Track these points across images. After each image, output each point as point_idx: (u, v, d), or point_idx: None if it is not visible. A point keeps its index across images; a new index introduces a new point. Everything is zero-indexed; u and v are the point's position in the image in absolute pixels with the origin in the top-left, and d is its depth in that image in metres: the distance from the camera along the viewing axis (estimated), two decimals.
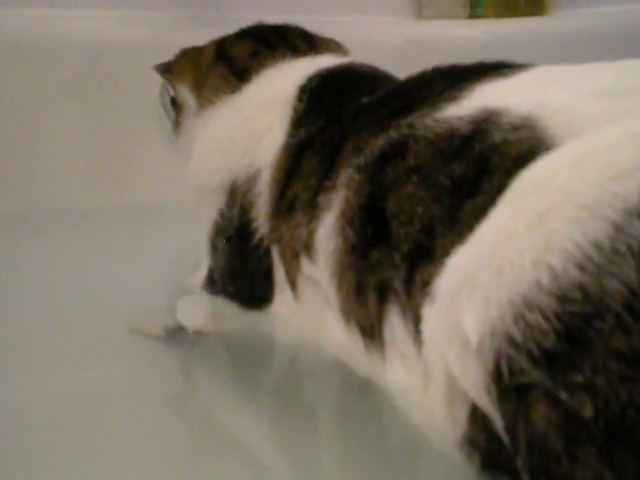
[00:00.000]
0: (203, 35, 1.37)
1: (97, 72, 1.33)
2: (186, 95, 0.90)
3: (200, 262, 0.85)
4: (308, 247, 0.65)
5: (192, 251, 0.96)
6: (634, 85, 0.47)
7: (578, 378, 0.37)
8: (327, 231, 0.61)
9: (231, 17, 1.43)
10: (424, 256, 0.51)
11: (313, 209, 0.64)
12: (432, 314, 0.46)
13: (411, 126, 0.57)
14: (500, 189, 0.45)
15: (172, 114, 1.00)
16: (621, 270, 0.36)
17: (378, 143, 0.59)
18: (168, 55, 1.31)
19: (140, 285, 0.92)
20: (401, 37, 1.46)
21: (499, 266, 0.40)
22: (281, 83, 0.80)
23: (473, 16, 1.54)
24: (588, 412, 0.36)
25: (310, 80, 0.77)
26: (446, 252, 0.47)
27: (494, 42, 1.46)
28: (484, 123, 0.51)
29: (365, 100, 0.68)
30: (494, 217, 0.43)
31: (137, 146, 1.35)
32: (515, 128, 0.49)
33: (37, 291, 0.92)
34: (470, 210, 0.48)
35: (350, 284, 0.59)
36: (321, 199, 0.63)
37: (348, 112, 0.68)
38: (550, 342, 0.38)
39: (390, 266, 0.54)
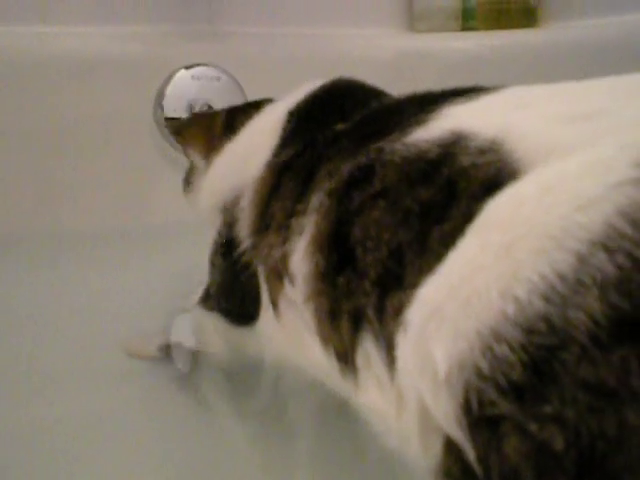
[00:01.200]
0: (195, 49, 1.38)
1: (89, 88, 1.32)
2: (196, 159, 0.92)
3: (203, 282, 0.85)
4: (285, 269, 0.65)
5: (193, 274, 0.97)
6: (605, 107, 0.46)
7: (547, 410, 0.36)
8: (300, 255, 0.61)
9: (223, 31, 1.43)
10: (394, 283, 0.51)
11: (287, 231, 0.64)
12: (405, 344, 0.45)
13: (379, 150, 0.57)
14: (468, 215, 0.44)
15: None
16: (585, 301, 0.35)
17: (347, 168, 0.59)
18: (160, 70, 1.31)
19: (137, 307, 0.92)
20: (393, 50, 1.46)
21: (467, 297, 0.39)
22: (274, 110, 0.82)
23: (465, 28, 1.54)
24: (558, 444, 0.36)
25: (299, 104, 0.79)
26: (416, 279, 0.47)
27: (487, 54, 1.46)
28: (451, 146, 0.51)
29: (340, 125, 0.68)
30: (463, 248, 0.42)
31: (132, 164, 1.35)
32: (482, 152, 0.48)
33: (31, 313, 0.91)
34: (438, 237, 0.48)
35: (324, 309, 0.58)
36: (293, 222, 0.63)
37: (324, 136, 0.68)
38: (517, 374, 0.37)
39: (362, 293, 0.53)
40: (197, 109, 1.31)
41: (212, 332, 0.83)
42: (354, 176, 0.58)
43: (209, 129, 0.91)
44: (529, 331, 0.37)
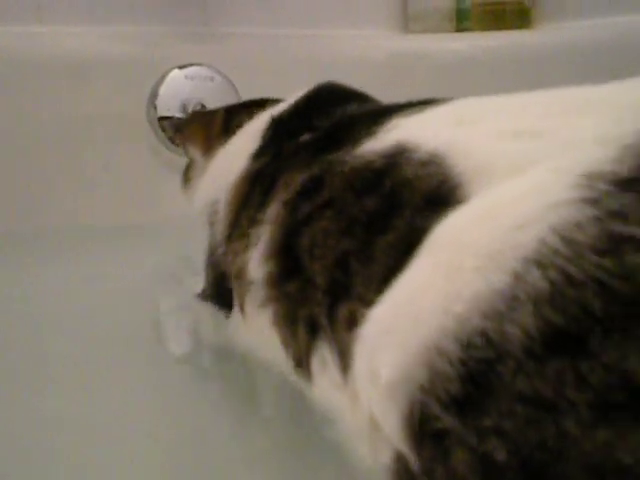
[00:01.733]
0: (189, 49, 1.38)
1: (84, 87, 1.32)
2: (195, 155, 0.94)
3: None
4: (246, 275, 0.67)
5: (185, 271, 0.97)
6: (544, 126, 0.47)
7: (486, 422, 0.37)
8: (256, 263, 0.63)
9: (217, 31, 1.43)
10: (342, 293, 0.52)
11: (248, 239, 0.66)
12: (359, 355, 0.46)
13: (330, 162, 0.58)
14: (411, 226, 0.47)
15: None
16: (520, 316, 0.36)
17: (300, 179, 0.61)
18: (154, 70, 1.31)
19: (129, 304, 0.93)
20: (388, 51, 1.46)
21: (416, 315, 0.40)
22: (265, 115, 0.82)
23: (460, 29, 1.54)
24: (500, 456, 0.36)
25: (283, 110, 0.80)
26: (363, 290, 0.49)
27: (481, 55, 1.46)
28: (397, 157, 0.52)
29: (305, 136, 0.69)
30: (416, 267, 0.43)
31: (125, 163, 1.35)
32: (424, 164, 0.49)
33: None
34: (383, 246, 0.49)
35: (280, 315, 0.60)
36: (253, 231, 0.65)
37: (289, 146, 0.70)
38: (456, 388, 0.38)
39: (314, 302, 0.55)
40: (190, 109, 1.31)
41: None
42: (305, 187, 0.59)
43: (209, 127, 0.92)
44: (467, 346, 0.37)
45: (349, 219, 0.53)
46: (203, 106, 1.31)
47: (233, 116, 0.90)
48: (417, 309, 0.41)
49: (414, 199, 0.48)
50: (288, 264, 0.59)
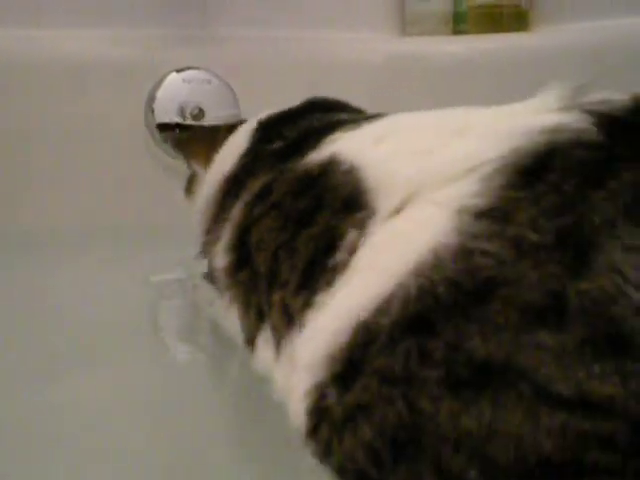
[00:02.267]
0: (187, 52, 1.38)
1: (81, 90, 1.32)
2: (198, 170, 0.98)
3: None
4: (214, 264, 0.76)
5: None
6: (439, 145, 0.56)
7: (350, 397, 0.47)
8: (219, 255, 0.73)
9: (218, 35, 1.43)
10: (275, 280, 0.62)
11: (217, 234, 0.75)
12: (300, 344, 0.56)
13: (282, 170, 0.68)
14: (329, 223, 0.57)
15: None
16: (392, 310, 0.46)
17: (258, 183, 0.70)
18: (152, 73, 1.31)
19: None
20: (385, 53, 1.46)
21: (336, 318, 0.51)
22: (252, 120, 0.89)
23: (457, 32, 1.54)
24: (366, 433, 0.45)
25: (269, 116, 0.87)
26: (287, 276, 0.60)
27: (478, 58, 1.46)
28: (328, 167, 0.61)
29: (277, 144, 0.77)
30: (348, 287, 0.53)
31: (123, 167, 1.35)
32: (345, 173, 0.59)
33: None
34: (305, 238, 0.59)
35: (237, 300, 0.70)
36: (220, 228, 0.74)
37: (261, 153, 0.79)
38: (338, 366, 0.48)
39: (260, 290, 0.65)
40: (188, 112, 1.31)
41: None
42: (261, 190, 0.69)
43: (211, 144, 0.94)
44: (354, 335, 0.48)
45: (285, 217, 0.63)
46: (201, 110, 1.31)
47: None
48: (342, 313, 0.50)
49: (335, 202, 0.58)
50: (241, 256, 0.68)
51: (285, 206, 0.64)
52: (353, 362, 0.47)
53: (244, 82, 1.36)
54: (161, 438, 0.63)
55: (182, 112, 1.31)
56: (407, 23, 1.52)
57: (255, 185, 0.71)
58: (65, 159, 1.32)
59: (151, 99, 1.31)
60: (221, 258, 0.72)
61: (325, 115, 0.80)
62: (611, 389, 0.38)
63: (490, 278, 0.43)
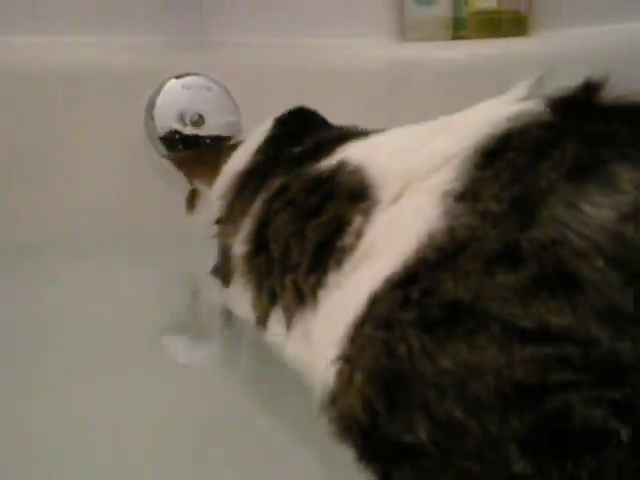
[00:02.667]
0: (186, 59, 1.38)
1: (80, 98, 1.32)
2: (201, 187, 1.08)
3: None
4: (231, 251, 0.84)
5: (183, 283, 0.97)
6: (420, 145, 0.65)
7: (352, 350, 0.55)
8: (239, 244, 0.81)
9: (214, 41, 1.43)
10: (287, 264, 0.70)
11: (237, 225, 0.83)
12: (316, 326, 0.65)
13: (298, 173, 0.77)
14: (336, 211, 0.66)
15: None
16: (394, 278, 0.54)
17: (277, 183, 0.79)
18: (151, 80, 1.31)
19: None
20: (384, 59, 1.46)
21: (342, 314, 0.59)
22: (268, 119, 0.98)
23: (456, 38, 1.54)
24: (358, 379, 0.53)
25: (284, 114, 0.97)
26: (297, 260, 0.68)
27: (477, 63, 1.47)
28: (337, 169, 0.71)
29: (297, 149, 0.86)
30: (361, 279, 0.60)
31: (123, 174, 1.35)
32: (351, 172, 0.69)
33: None
34: (314, 226, 0.68)
35: (252, 284, 0.78)
36: (241, 220, 0.82)
37: (281, 155, 0.87)
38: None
39: (274, 275, 0.73)
40: (188, 119, 1.31)
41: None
42: (279, 190, 0.77)
43: (215, 166, 1.00)
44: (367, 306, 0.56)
45: (298, 211, 0.72)
46: (200, 116, 1.31)
47: None
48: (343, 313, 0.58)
49: (341, 194, 0.67)
50: (259, 245, 0.77)
51: (299, 202, 0.72)
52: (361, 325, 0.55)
53: (244, 88, 1.36)
54: (161, 449, 0.63)
55: (182, 119, 1.31)
56: (407, 29, 1.53)
57: (274, 184, 0.79)
58: (63, 168, 1.32)
59: (151, 106, 1.31)
60: (240, 247, 0.80)
61: (338, 129, 0.90)
62: (566, 320, 0.44)
63: (465, 240, 0.51)
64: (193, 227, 0.96)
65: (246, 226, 0.80)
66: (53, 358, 0.81)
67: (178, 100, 1.31)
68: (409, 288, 0.52)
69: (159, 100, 1.30)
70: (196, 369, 0.84)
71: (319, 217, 0.67)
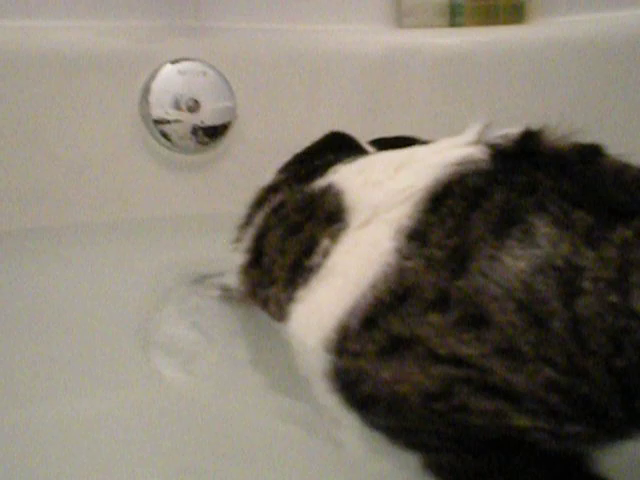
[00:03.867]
0: (182, 44, 1.37)
1: (75, 82, 1.31)
2: None
3: None
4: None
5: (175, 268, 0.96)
6: (387, 177, 0.73)
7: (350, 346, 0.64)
8: (239, 254, 0.87)
9: (210, 26, 1.42)
10: (271, 276, 0.78)
11: (241, 236, 0.89)
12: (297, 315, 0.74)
13: (294, 190, 0.84)
14: (313, 230, 0.74)
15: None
16: (358, 314, 0.65)
17: (278, 199, 0.86)
18: (147, 65, 1.30)
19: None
20: (381, 45, 1.45)
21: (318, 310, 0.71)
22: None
23: (453, 25, 1.54)
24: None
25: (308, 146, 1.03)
26: (277, 274, 0.77)
27: (474, 50, 1.46)
28: (325, 190, 0.78)
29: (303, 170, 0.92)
30: (322, 288, 0.71)
31: (118, 158, 1.34)
32: (334, 195, 0.76)
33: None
34: (294, 242, 0.76)
35: (249, 293, 0.84)
36: (243, 231, 0.89)
37: (290, 175, 0.92)
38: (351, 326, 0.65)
39: (266, 286, 0.79)
40: (183, 104, 1.30)
41: None
42: (277, 205, 0.84)
43: None
44: (345, 316, 0.66)
45: (286, 227, 0.79)
46: (196, 101, 1.31)
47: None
48: (322, 308, 0.70)
49: (320, 215, 0.75)
50: (255, 257, 0.83)
51: (289, 219, 0.80)
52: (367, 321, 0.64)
53: (240, 74, 1.35)
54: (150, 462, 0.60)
55: (177, 104, 1.31)
56: (404, 15, 1.52)
57: (276, 199, 0.86)
58: (57, 152, 1.31)
59: (146, 91, 1.30)
60: (241, 257, 0.86)
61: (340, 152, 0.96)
62: (471, 350, 0.55)
63: (410, 285, 0.61)
64: None
65: (248, 237, 0.86)
66: (38, 351, 0.80)
67: (174, 85, 1.31)
68: (372, 329, 0.62)
69: (154, 85, 1.30)
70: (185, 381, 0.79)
71: (298, 235, 0.76)
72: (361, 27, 1.48)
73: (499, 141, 0.68)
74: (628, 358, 0.52)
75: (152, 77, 1.31)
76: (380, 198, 0.71)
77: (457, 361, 0.55)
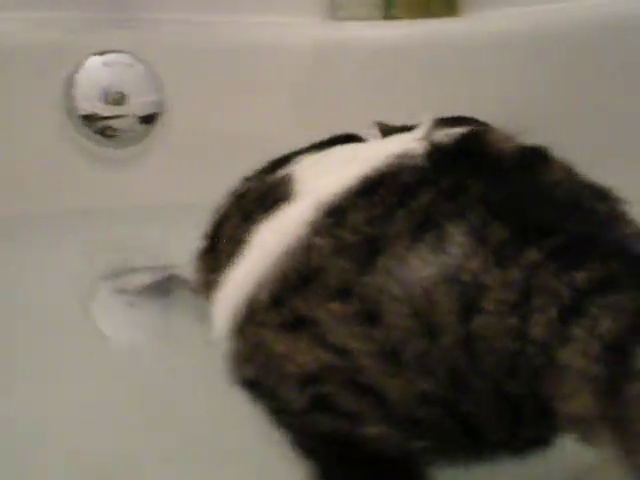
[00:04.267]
0: (109, 36, 1.34)
1: (8, 74, 1.29)
2: None
3: None
4: None
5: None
6: (334, 170, 0.72)
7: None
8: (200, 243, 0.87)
9: (140, 18, 1.40)
10: (220, 263, 0.77)
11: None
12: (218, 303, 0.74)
13: (260, 180, 0.84)
14: (259, 218, 0.73)
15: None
16: (267, 288, 0.65)
17: (245, 186, 0.86)
18: (74, 58, 1.27)
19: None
20: (312, 39, 1.44)
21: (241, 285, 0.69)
22: None
23: (387, 17, 1.53)
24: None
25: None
26: (226, 262, 0.74)
27: (408, 43, 1.45)
28: (281, 180, 0.77)
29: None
30: (245, 262, 0.71)
31: (41, 152, 1.31)
32: (286, 183, 0.75)
33: None
34: (245, 230, 0.74)
35: (203, 280, 0.84)
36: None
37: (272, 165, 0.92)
38: (262, 304, 0.65)
39: (217, 272, 0.77)
40: (110, 97, 1.27)
41: None
42: (242, 193, 0.84)
43: None
44: (256, 289, 0.65)
45: (244, 217, 0.77)
46: (124, 94, 1.28)
47: None
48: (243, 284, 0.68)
49: (270, 201, 0.74)
50: (211, 244, 0.83)
51: (245, 207, 0.80)
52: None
53: (168, 66, 1.33)
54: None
55: (105, 97, 1.28)
56: (336, 7, 1.50)
57: (244, 187, 0.86)
58: None
59: (70, 83, 1.27)
60: (200, 244, 0.87)
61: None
62: (356, 344, 0.57)
63: (316, 267, 0.61)
64: None
65: (210, 223, 0.87)
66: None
67: (100, 78, 1.28)
68: (277, 305, 0.63)
69: (79, 77, 1.27)
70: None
71: (247, 222, 0.75)
72: (292, 19, 1.46)
73: (443, 138, 0.68)
74: (519, 383, 0.53)
75: (76, 69, 1.28)
76: (321, 184, 0.70)
77: (341, 352, 0.57)
